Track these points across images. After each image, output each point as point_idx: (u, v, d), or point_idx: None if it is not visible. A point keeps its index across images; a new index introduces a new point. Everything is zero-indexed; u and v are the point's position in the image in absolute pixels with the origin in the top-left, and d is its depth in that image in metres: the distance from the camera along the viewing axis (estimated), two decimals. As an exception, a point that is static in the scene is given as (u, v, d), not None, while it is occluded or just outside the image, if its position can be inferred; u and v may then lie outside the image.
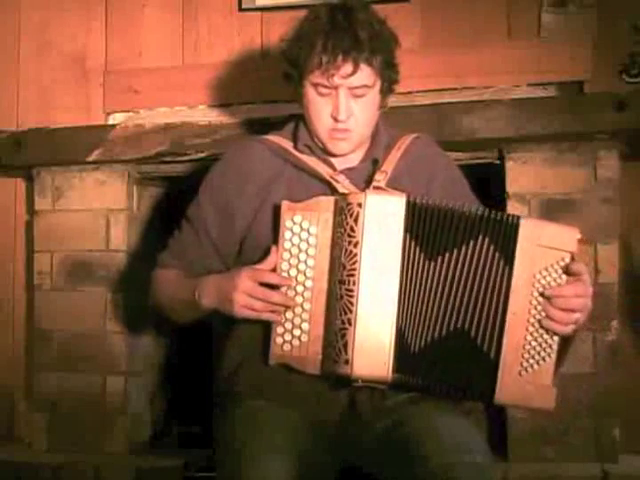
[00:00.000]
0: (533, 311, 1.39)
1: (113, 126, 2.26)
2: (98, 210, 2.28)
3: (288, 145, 1.62)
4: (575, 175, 2.03)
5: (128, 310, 2.23)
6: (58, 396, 2.26)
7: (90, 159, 2.22)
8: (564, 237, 1.40)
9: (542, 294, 1.39)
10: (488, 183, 2.15)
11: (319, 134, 1.56)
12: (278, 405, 1.48)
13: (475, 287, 1.40)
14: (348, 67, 1.48)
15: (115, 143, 2.22)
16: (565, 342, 1.43)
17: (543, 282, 1.39)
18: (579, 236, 1.40)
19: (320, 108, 1.54)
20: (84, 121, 2.33)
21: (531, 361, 1.39)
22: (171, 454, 2.19)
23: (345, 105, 1.51)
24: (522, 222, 1.40)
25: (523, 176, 2.05)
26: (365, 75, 1.50)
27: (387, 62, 1.55)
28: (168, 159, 2.21)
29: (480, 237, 1.40)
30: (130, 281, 2.23)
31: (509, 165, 2.06)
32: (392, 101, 2.13)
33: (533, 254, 1.39)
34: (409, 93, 2.17)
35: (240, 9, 2.29)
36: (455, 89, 2.16)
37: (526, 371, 1.39)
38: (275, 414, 1.46)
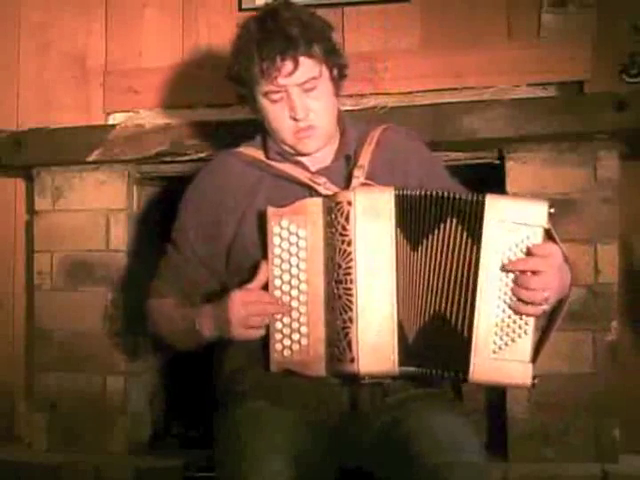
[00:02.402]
0: (504, 288, 1.38)
1: (113, 126, 2.26)
2: (98, 210, 2.28)
3: (261, 155, 1.62)
4: (575, 175, 2.03)
5: (128, 310, 2.23)
6: (58, 396, 2.26)
7: (90, 159, 2.22)
8: (532, 212, 1.38)
9: (504, 269, 1.37)
10: (488, 183, 2.15)
11: (285, 139, 1.56)
12: (279, 406, 1.48)
13: (448, 269, 1.40)
14: (288, 65, 1.48)
15: (115, 143, 2.21)
16: (549, 318, 1.43)
17: (513, 259, 1.37)
18: (551, 210, 1.37)
19: (278, 115, 1.54)
20: (84, 121, 2.33)
21: (505, 338, 1.38)
22: (171, 454, 2.19)
23: (299, 103, 1.51)
24: (487, 199, 1.38)
25: (523, 176, 2.05)
26: (308, 68, 1.50)
27: (327, 49, 1.55)
28: (168, 159, 2.21)
29: (449, 219, 1.40)
30: (130, 281, 2.23)
31: (509, 165, 2.06)
32: (392, 101, 2.16)
33: (501, 231, 1.37)
34: (409, 93, 2.18)
35: (240, 9, 2.29)
36: (455, 89, 2.16)
37: (500, 349, 1.37)
38: (276, 414, 1.46)
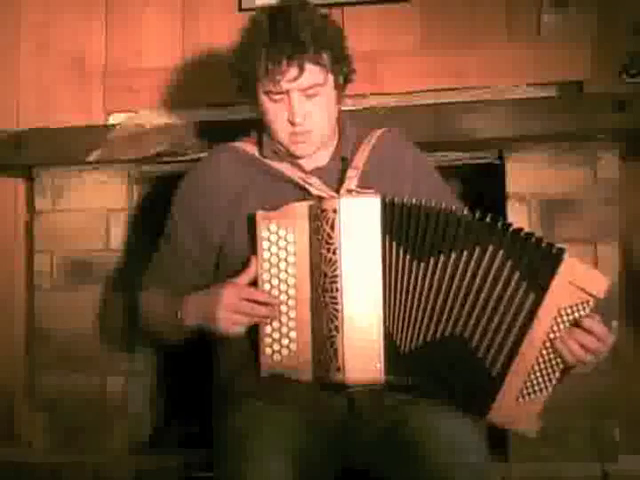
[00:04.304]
0: (548, 344, 1.37)
1: (113, 126, 2.26)
2: (98, 210, 2.27)
3: (255, 152, 1.62)
4: (575, 175, 2.03)
5: (128, 310, 2.23)
6: (58, 396, 2.26)
7: (90, 159, 2.22)
8: (596, 281, 1.37)
9: (561, 324, 1.36)
10: (488, 183, 2.15)
11: (280, 140, 1.56)
12: (278, 406, 1.48)
13: (482, 298, 1.37)
14: (294, 71, 1.47)
15: (115, 143, 2.21)
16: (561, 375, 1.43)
17: (565, 319, 1.37)
18: (609, 283, 1.37)
19: (276, 115, 1.53)
20: (84, 121, 2.33)
21: (530, 390, 1.39)
22: (171, 454, 2.19)
23: (299, 108, 1.50)
24: (565, 257, 1.35)
25: (523, 176, 2.05)
26: (313, 74, 1.49)
27: (336, 57, 1.54)
28: (168, 159, 2.20)
29: (491, 247, 1.36)
30: (130, 281, 2.23)
31: (509, 165, 2.06)
32: (392, 101, 2.16)
33: (564, 289, 1.35)
34: (409, 93, 2.18)
35: (240, 9, 2.30)
36: (455, 89, 2.16)
37: (523, 398, 1.39)
38: (274, 414, 1.46)
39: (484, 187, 2.17)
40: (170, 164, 2.22)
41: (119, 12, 2.38)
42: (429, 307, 1.40)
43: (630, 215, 2.09)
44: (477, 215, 1.38)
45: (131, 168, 2.27)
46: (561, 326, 1.37)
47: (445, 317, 1.39)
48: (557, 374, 1.39)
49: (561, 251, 1.35)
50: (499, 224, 1.37)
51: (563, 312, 1.37)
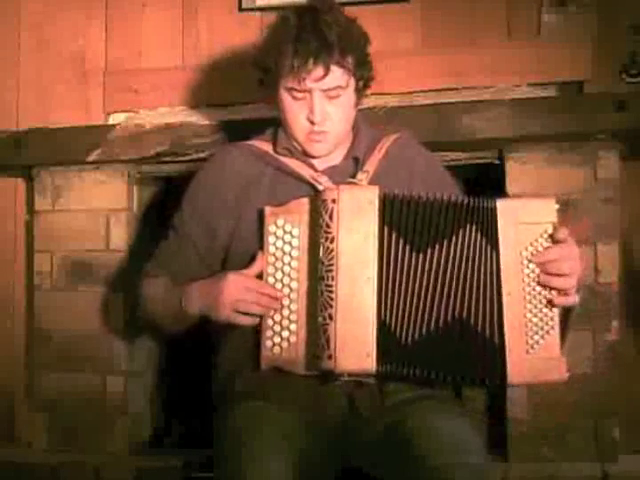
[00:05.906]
0: (527, 288, 1.40)
1: (113, 126, 2.26)
2: (98, 210, 2.27)
3: (269, 148, 1.63)
4: (575, 175, 2.03)
5: (128, 310, 2.23)
6: (58, 396, 2.26)
7: (90, 159, 2.22)
8: (542, 210, 1.41)
9: (530, 264, 1.40)
10: (488, 183, 2.15)
11: (297, 137, 1.57)
12: (278, 406, 1.48)
13: (468, 275, 1.41)
14: (319, 70, 1.49)
15: (115, 143, 2.21)
16: (566, 311, 1.43)
17: (532, 259, 1.40)
18: (557, 205, 1.41)
19: (296, 112, 1.54)
20: (84, 121, 2.33)
21: (536, 337, 1.40)
22: (171, 454, 2.19)
23: (320, 108, 1.52)
24: (499, 204, 1.42)
25: (523, 176, 2.05)
26: (337, 76, 1.51)
27: (359, 61, 1.55)
28: (168, 159, 2.20)
29: (468, 225, 1.42)
30: (130, 281, 2.23)
31: (509, 165, 2.06)
32: (392, 101, 2.16)
33: (516, 233, 1.40)
34: (409, 93, 2.18)
35: (240, 9, 2.30)
36: (455, 89, 2.16)
37: (533, 348, 1.39)
38: (274, 414, 1.46)
39: (484, 187, 2.17)
40: (170, 164, 2.22)
41: (119, 12, 2.38)
42: (429, 297, 1.41)
43: (630, 215, 2.09)
44: (459, 200, 1.43)
45: (131, 168, 2.27)
46: (532, 266, 1.40)
47: (444, 303, 1.41)
48: (554, 311, 1.41)
49: (493, 201, 1.41)
50: (464, 200, 1.42)
51: (526, 253, 1.40)
